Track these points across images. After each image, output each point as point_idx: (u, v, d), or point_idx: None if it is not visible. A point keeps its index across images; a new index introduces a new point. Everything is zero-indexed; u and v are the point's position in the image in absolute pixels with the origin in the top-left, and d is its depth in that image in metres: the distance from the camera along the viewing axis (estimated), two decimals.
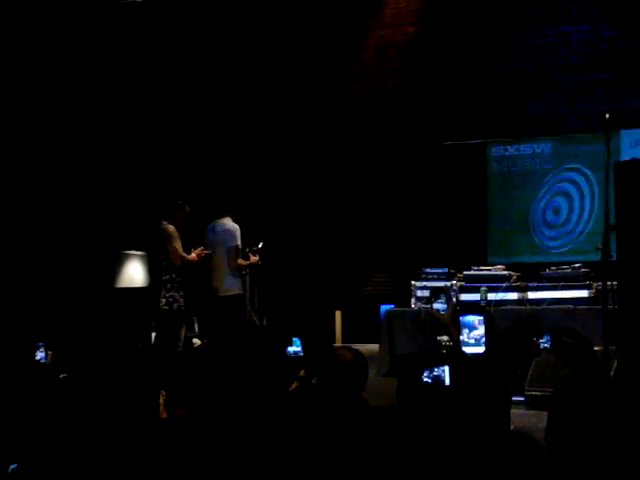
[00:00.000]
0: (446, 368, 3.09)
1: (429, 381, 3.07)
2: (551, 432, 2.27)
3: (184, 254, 8.74)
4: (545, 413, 2.39)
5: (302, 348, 5.38)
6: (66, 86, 11.15)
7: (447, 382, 3.07)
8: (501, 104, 12.81)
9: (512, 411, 4.43)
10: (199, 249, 8.85)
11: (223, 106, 12.84)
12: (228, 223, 8.91)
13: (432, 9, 12.92)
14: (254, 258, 9.00)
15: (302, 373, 4.22)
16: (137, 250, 11.71)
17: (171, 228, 8.79)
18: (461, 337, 5.42)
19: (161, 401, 3.13)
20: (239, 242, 8.85)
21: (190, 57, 12.32)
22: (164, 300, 8.73)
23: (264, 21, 12.71)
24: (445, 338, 8.56)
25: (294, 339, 5.51)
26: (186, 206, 8.96)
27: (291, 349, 5.49)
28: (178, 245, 8.74)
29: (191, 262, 8.76)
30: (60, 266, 10.80)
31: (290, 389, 3.66)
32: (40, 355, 6.34)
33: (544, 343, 7.82)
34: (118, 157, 11.80)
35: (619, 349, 6.79)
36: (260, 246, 9.16)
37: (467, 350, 5.27)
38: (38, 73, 10.85)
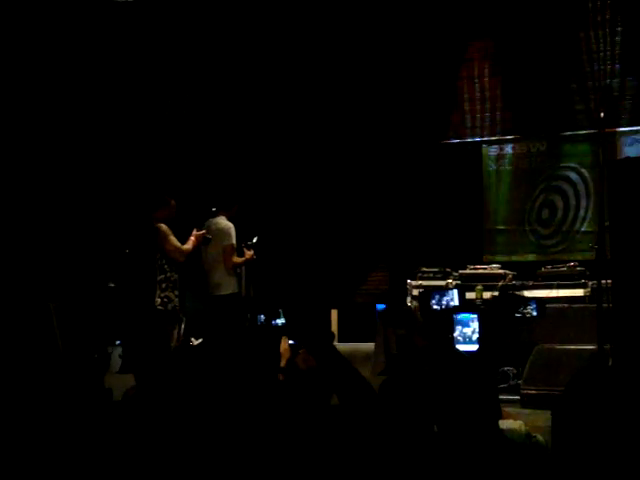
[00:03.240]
0: (455, 291, 3.03)
1: (437, 308, 3.02)
2: (557, 432, 2.26)
3: (182, 247, 8.63)
4: (540, 412, 2.38)
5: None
6: (62, 88, 11.13)
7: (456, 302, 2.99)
8: (497, 103, 12.81)
9: (508, 409, 4.43)
10: (199, 232, 8.73)
11: (218, 103, 12.81)
12: (222, 222, 8.85)
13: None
14: (249, 253, 8.94)
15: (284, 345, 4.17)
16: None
17: (164, 227, 8.69)
18: (454, 335, 5.41)
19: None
20: (234, 241, 8.79)
21: (184, 54, 12.30)
22: (159, 300, 8.68)
23: (264, 17, 12.67)
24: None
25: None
26: (172, 200, 8.86)
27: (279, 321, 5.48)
28: (176, 242, 8.64)
29: (193, 249, 8.66)
30: (56, 265, 10.77)
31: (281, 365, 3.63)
32: None
33: (532, 310, 7.84)
34: (113, 155, 11.78)
35: (614, 348, 6.78)
36: (255, 241, 9.09)
37: (459, 348, 5.28)
38: (37, 72, 10.84)
